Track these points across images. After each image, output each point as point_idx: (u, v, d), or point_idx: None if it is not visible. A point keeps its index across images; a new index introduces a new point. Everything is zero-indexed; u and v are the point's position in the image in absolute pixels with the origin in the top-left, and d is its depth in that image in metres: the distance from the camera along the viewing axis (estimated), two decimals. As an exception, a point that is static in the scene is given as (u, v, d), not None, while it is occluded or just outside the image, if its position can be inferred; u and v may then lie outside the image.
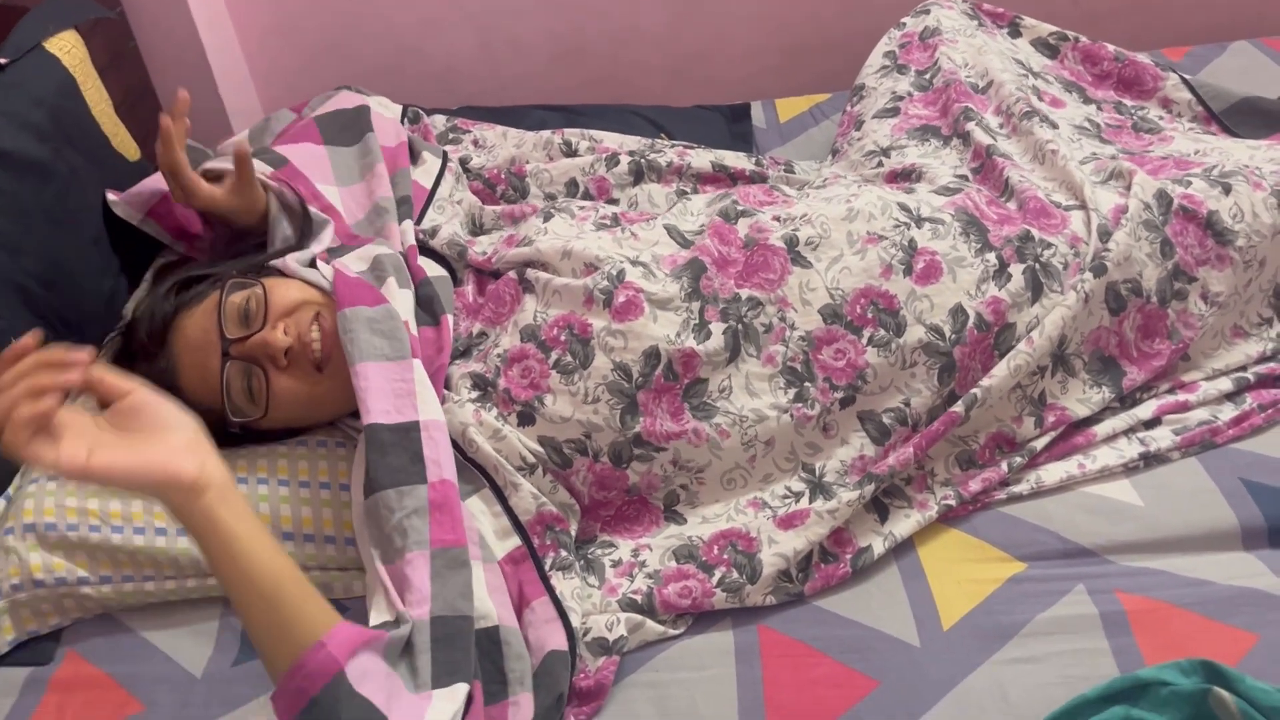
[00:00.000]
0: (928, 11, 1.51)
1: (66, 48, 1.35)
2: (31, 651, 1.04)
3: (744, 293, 1.11)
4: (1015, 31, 1.52)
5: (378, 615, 0.92)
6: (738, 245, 1.14)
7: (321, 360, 1.07)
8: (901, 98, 1.41)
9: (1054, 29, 1.50)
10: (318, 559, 1.08)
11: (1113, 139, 1.36)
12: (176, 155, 1.14)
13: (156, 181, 1.32)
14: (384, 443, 0.98)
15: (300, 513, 1.08)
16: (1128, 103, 1.44)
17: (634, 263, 1.12)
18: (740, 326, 1.10)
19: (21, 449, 0.74)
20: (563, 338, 1.09)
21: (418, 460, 0.98)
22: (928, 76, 1.42)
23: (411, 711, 0.82)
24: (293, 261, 1.15)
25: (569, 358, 1.08)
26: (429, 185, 1.35)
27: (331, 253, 1.22)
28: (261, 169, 1.23)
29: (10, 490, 1.11)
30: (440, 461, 0.98)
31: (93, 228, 1.31)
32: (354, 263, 1.17)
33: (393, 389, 1.01)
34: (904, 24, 1.52)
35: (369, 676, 0.81)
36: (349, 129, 1.35)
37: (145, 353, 1.10)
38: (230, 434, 1.10)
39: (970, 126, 1.30)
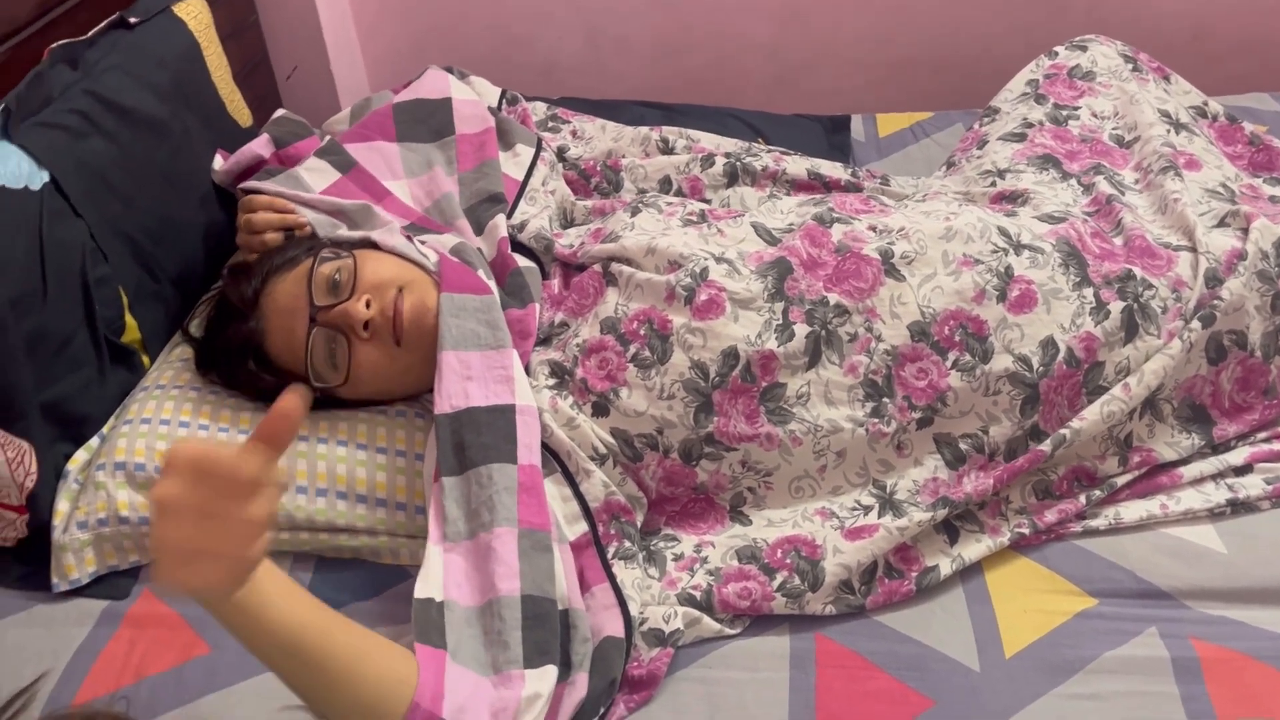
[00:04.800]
0: (1084, 48, 1.46)
1: (193, 13, 1.41)
2: (110, 586, 1.08)
3: (831, 298, 1.10)
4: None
5: (424, 589, 0.93)
6: (829, 249, 1.13)
7: (401, 336, 1.09)
8: (1031, 125, 1.37)
9: (1194, 103, 1.43)
10: (387, 524, 1.10)
11: (1246, 205, 1.31)
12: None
13: (254, 148, 1.36)
14: (479, 422, 1.01)
15: (375, 477, 1.10)
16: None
17: (718, 260, 1.12)
18: (824, 332, 1.09)
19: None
20: (642, 332, 1.10)
21: (510, 441, 1.00)
22: (1064, 114, 1.38)
23: (508, 703, 0.84)
24: (394, 237, 1.18)
25: (647, 352, 1.09)
26: (520, 176, 1.37)
27: (411, 230, 1.25)
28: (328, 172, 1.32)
29: (104, 429, 1.15)
30: (531, 446, 1.01)
31: (202, 188, 1.36)
32: (437, 247, 1.21)
33: (492, 375, 1.04)
34: (1056, 53, 1.47)
35: (465, 710, 0.83)
36: (426, 123, 1.38)
37: (238, 312, 1.14)
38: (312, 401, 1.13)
39: (1097, 179, 1.26)
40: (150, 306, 1.24)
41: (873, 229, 1.15)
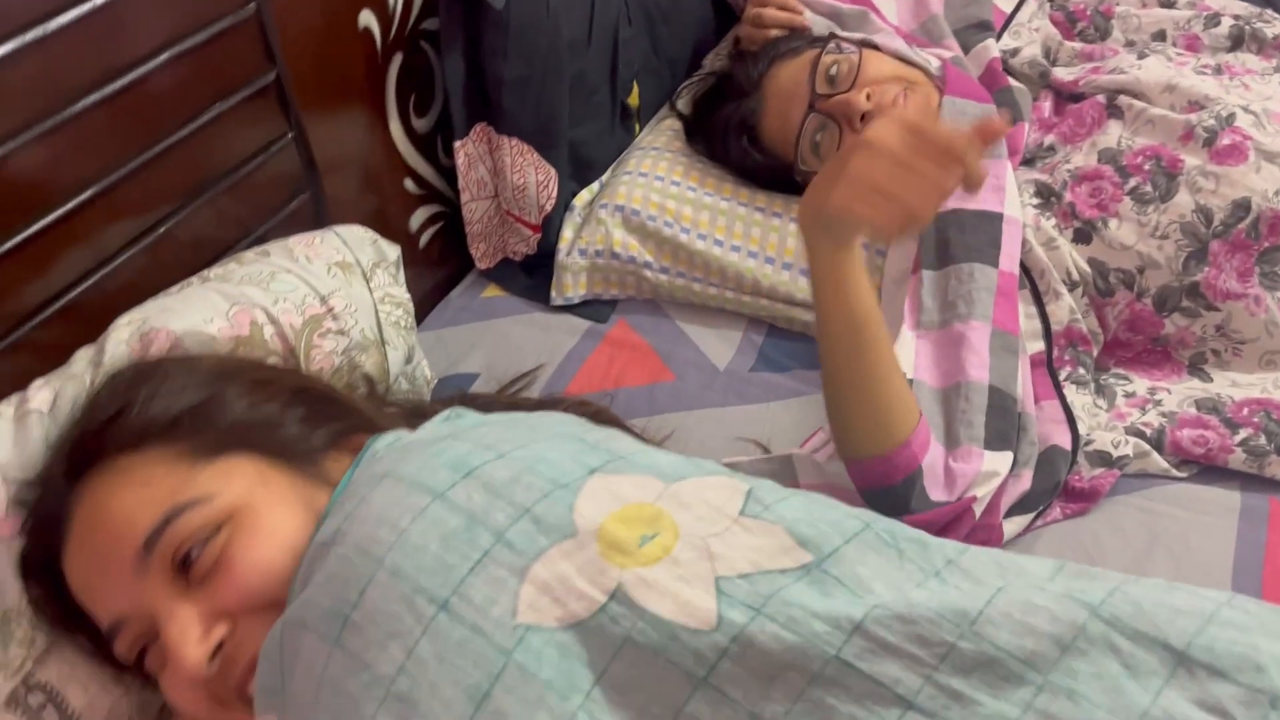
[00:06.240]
0: None
1: None
2: (594, 310, 1.23)
3: (1372, 170, 1.02)
4: None
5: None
6: (1378, 119, 1.05)
7: None
8: None
9: None
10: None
11: None
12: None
13: None
14: (965, 223, 1.05)
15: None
16: None
17: (1245, 110, 1.07)
18: (1353, 204, 1.02)
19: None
20: (1146, 167, 1.07)
21: (995, 246, 1.03)
22: None
23: (966, 474, 0.89)
24: (895, 41, 1.21)
25: (1148, 188, 1.07)
26: (1008, 9, 1.36)
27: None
28: None
29: (604, 176, 1.30)
30: (1012, 256, 1.04)
31: (700, -19, 1.45)
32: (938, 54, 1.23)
33: (985, 183, 1.07)
34: None
35: (931, 469, 0.87)
36: None
37: (738, 91, 1.23)
38: (788, 183, 1.21)
39: None
40: (649, 78, 1.36)
41: None
